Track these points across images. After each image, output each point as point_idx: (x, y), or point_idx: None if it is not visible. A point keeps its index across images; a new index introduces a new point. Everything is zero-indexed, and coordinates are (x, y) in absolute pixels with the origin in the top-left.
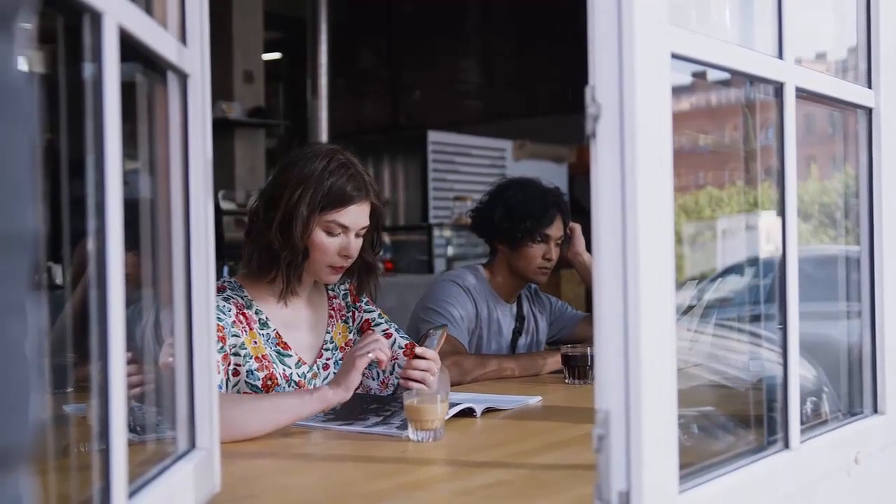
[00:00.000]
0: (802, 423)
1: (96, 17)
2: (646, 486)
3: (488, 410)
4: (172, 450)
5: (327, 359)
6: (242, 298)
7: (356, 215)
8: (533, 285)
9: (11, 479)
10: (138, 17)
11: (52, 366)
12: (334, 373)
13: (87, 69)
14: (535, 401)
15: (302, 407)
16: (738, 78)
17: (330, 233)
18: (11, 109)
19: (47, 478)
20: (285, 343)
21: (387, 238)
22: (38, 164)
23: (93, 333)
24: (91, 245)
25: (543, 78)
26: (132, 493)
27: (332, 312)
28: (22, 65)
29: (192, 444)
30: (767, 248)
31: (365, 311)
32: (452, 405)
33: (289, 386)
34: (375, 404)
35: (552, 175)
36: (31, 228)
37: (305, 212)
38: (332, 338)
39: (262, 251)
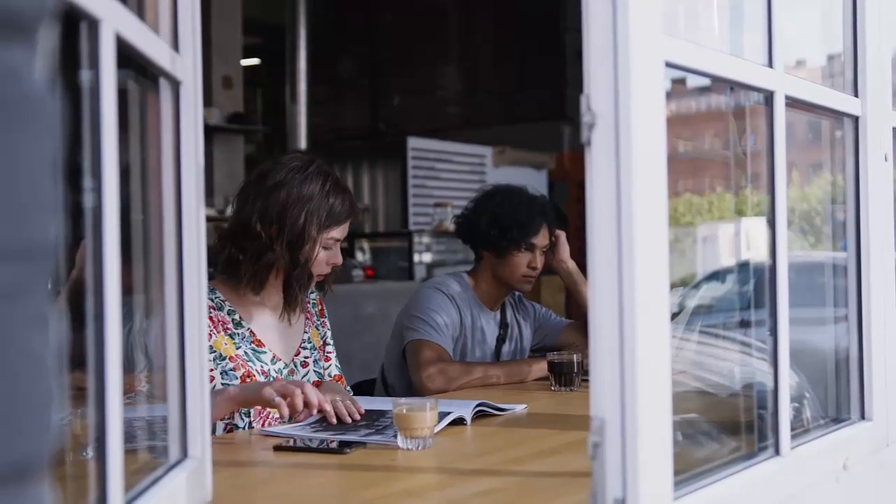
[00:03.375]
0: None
1: (94, 24)
2: (641, 494)
3: (479, 413)
4: (163, 459)
5: (305, 357)
6: (213, 300)
7: (346, 228)
8: (517, 292)
9: (37, 489)
10: (134, 25)
11: None
12: (314, 370)
13: (84, 75)
14: (520, 409)
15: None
16: (719, 84)
17: (326, 248)
18: (35, 119)
19: None
20: (260, 341)
21: (367, 245)
22: (59, 173)
23: (89, 342)
24: (87, 251)
25: (523, 85)
26: None
27: (308, 315)
28: (42, 74)
29: (184, 454)
30: (749, 255)
31: (327, 328)
32: (442, 414)
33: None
34: (366, 420)
35: (532, 182)
36: (52, 239)
37: (315, 233)
38: (309, 338)
39: (262, 267)
